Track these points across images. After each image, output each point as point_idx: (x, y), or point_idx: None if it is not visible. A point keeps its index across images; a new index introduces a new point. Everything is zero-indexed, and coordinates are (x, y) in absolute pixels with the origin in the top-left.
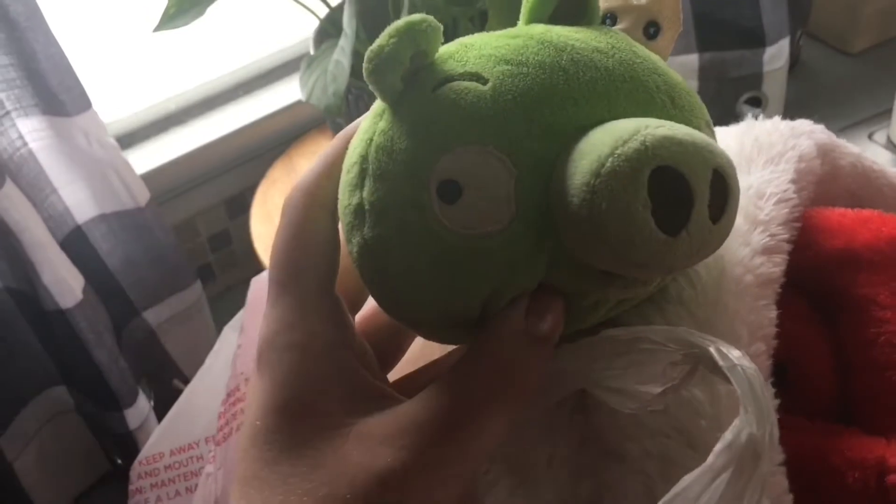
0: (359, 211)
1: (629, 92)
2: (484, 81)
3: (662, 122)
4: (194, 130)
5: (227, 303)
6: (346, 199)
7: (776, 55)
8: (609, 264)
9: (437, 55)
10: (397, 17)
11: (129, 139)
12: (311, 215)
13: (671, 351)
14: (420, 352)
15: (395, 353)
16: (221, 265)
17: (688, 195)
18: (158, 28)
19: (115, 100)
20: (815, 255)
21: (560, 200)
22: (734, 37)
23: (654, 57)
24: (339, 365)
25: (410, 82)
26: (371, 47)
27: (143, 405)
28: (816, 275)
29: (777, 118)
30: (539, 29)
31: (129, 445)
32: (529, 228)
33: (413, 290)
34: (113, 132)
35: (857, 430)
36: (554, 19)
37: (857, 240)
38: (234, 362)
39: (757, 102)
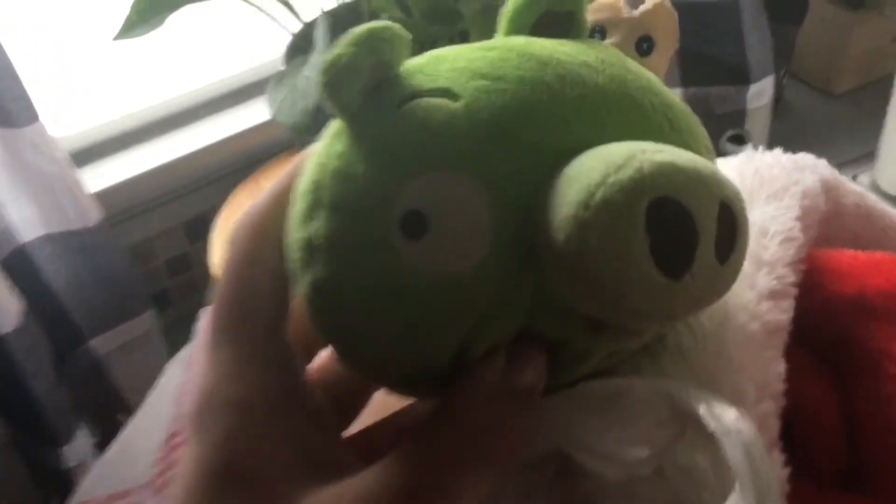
0: (310, 246)
1: (622, 112)
2: (456, 98)
3: (661, 146)
4: (156, 148)
5: (184, 332)
6: (295, 231)
7: (760, 92)
8: (599, 310)
9: (403, 68)
10: None
11: (86, 155)
12: (258, 251)
13: (657, 408)
14: (384, 401)
15: (356, 405)
16: (179, 292)
17: (692, 231)
18: (119, 37)
19: (73, 114)
20: (821, 300)
21: (543, 235)
22: (718, 73)
23: (649, 74)
24: (287, 426)
25: (373, 98)
26: (327, 57)
27: (83, 442)
28: (822, 323)
29: (778, 151)
30: (519, 41)
31: (66, 485)
32: (508, 267)
33: (371, 338)
34: (69, 148)
35: (871, 501)
36: (536, 32)
37: (871, 286)
38: (177, 401)
39: (741, 140)
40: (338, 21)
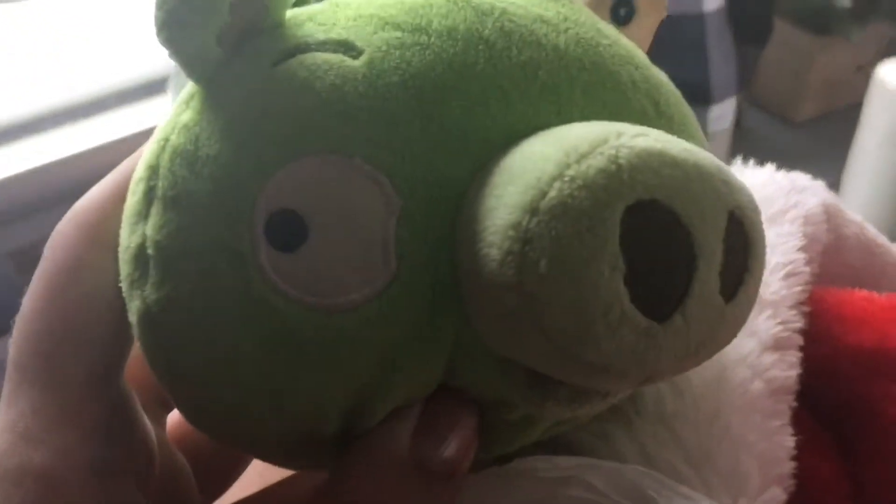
0: (140, 257)
1: (591, 86)
2: (356, 54)
3: (645, 129)
4: (49, 142)
5: None
6: (126, 237)
7: (722, 115)
8: (548, 366)
9: (290, 14)
10: None
11: None
12: (86, 263)
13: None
14: (263, 470)
15: (231, 465)
16: None
17: (687, 254)
18: None
19: None
20: (827, 353)
21: (468, 253)
22: (679, 91)
23: (629, 42)
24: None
25: (239, 52)
26: None
27: None
28: (828, 379)
29: (770, 167)
30: None
31: None
32: (418, 298)
33: (223, 390)
34: None
35: None
36: None
37: (893, 337)
38: None
39: None
40: None
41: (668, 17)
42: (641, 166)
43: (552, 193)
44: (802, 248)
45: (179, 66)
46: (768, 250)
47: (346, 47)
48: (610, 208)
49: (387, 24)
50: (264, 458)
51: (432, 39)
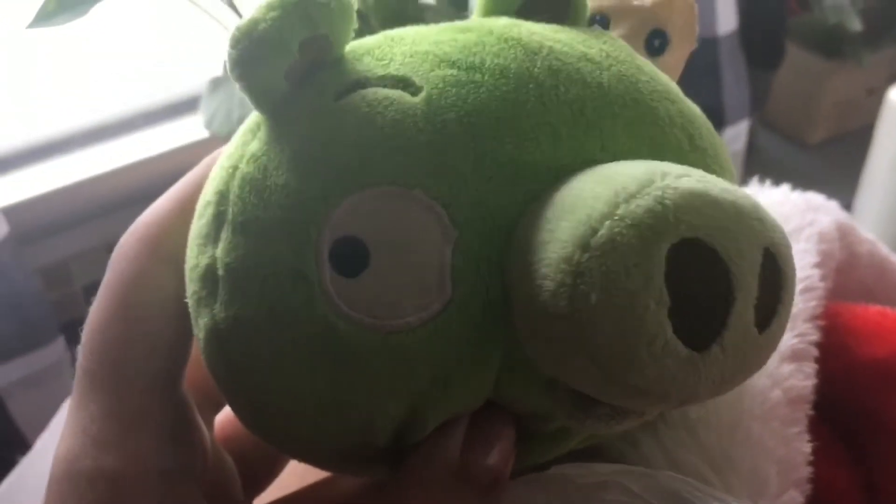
0: (209, 276)
1: (632, 122)
2: (415, 90)
3: (687, 169)
4: (77, 161)
5: None
6: (194, 256)
7: (735, 137)
8: (593, 388)
9: (350, 48)
10: None
11: None
12: (149, 275)
13: None
14: (303, 471)
15: (272, 465)
16: None
17: (726, 288)
18: (33, 25)
19: None
20: (842, 365)
21: (523, 282)
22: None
23: (665, 77)
24: None
25: (303, 85)
26: (239, 23)
27: None
28: (842, 391)
29: (785, 187)
30: (501, 22)
31: None
32: (471, 322)
33: (283, 407)
34: None
35: None
36: (523, 16)
37: None
38: (61, 453)
39: None
40: None
41: None
42: (686, 207)
43: (603, 231)
44: (817, 265)
45: (249, 100)
46: None
47: (405, 83)
48: (656, 246)
49: (442, 61)
50: (316, 465)
51: (486, 77)
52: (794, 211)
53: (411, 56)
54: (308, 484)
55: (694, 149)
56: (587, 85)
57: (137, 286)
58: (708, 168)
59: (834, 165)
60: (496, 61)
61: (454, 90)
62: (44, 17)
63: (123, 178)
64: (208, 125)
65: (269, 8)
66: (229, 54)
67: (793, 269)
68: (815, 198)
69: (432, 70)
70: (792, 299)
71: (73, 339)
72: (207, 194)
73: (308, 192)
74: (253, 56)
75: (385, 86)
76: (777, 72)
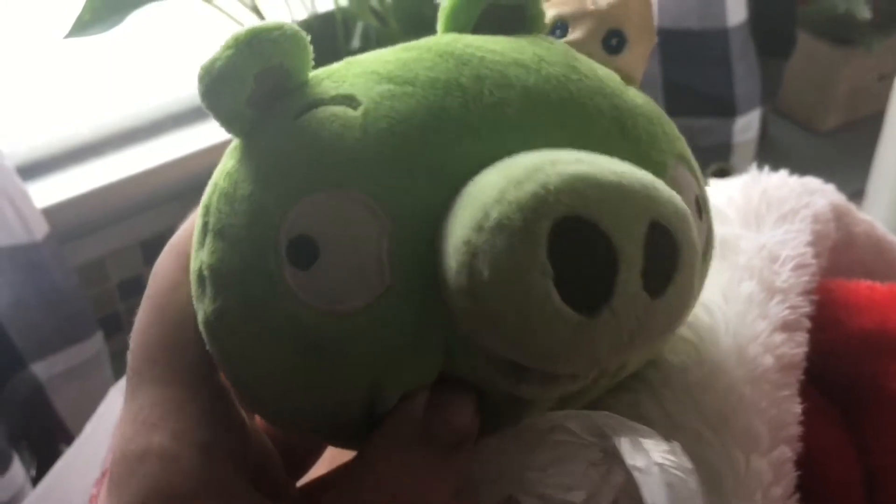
0: (199, 277)
1: (557, 118)
2: (356, 105)
3: (581, 155)
4: (111, 163)
5: None
6: (192, 261)
7: (747, 126)
8: (507, 353)
9: (313, 75)
10: (347, 44)
11: (34, 170)
12: (180, 284)
13: (589, 445)
14: (336, 454)
15: (312, 450)
16: (131, 316)
17: (609, 258)
18: (70, 35)
19: (20, 124)
20: (835, 336)
21: (441, 266)
22: (704, 104)
23: (606, 73)
24: (210, 477)
25: (272, 109)
26: (202, 62)
27: (17, 474)
28: (836, 360)
29: (784, 172)
30: (445, 39)
31: None
32: (411, 303)
33: (265, 385)
34: (17, 161)
35: None
36: (483, 31)
37: (893, 320)
38: (116, 436)
39: (725, 174)
40: (310, 30)
41: (693, 32)
42: (566, 188)
43: (494, 215)
44: (810, 244)
45: (219, 123)
46: (779, 244)
47: (350, 100)
48: (537, 224)
49: (383, 78)
50: (313, 437)
51: (417, 89)
52: (790, 194)
53: (360, 76)
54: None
55: (625, 137)
56: (512, 87)
57: (172, 295)
58: (640, 154)
59: (846, 152)
60: (429, 74)
61: (388, 103)
62: (80, 28)
63: (155, 179)
64: None
65: (226, 47)
66: (198, 88)
67: (689, 242)
68: (811, 181)
69: (373, 87)
70: (691, 270)
71: (110, 333)
72: (199, 209)
73: (266, 200)
74: (214, 90)
75: (335, 104)
76: (788, 60)
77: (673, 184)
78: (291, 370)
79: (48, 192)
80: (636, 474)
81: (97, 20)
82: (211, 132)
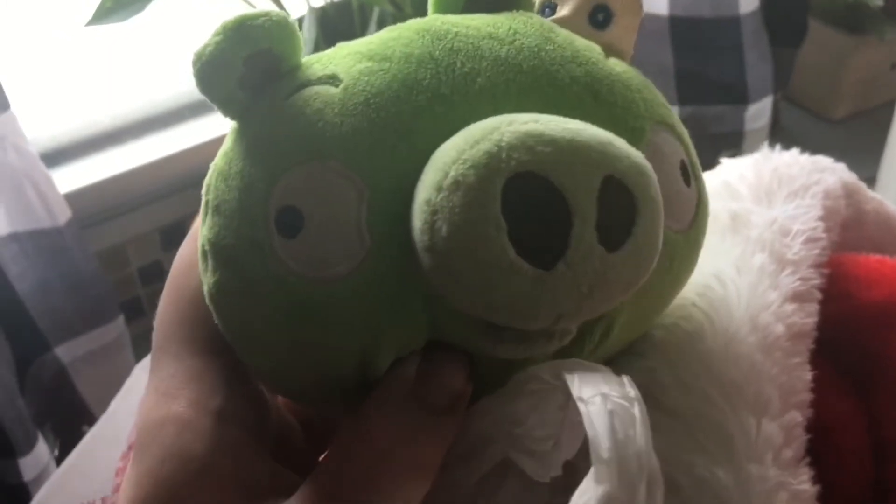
0: (203, 252)
1: (526, 86)
2: (338, 83)
3: (539, 116)
4: (132, 150)
5: None
6: (198, 239)
7: (758, 114)
8: (472, 310)
9: (306, 60)
10: (363, 31)
11: (57, 156)
12: (195, 266)
13: (555, 389)
14: None
15: (333, 426)
16: (151, 300)
17: (563, 212)
18: (92, 23)
19: (44, 112)
20: (845, 308)
21: (412, 227)
22: (716, 91)
23: (585, 45)
24: (224, 442)
25: (264, 92)
26: (195, 49)
27: (42, 453)
28: (846, 333)
29: (794, 150)
30: (425, 19)
31: (22, 499)
32: (391, 267)
33: (262, 351)
34: (40, 147)
35: None
36: (471, 11)
37: None
38: (140, 408)
39: None
40: (326, 17)
41: (705, 20)
42: (518, 146)
43: (451, 173)
44: (821, 218)
45: (214, 105)
46: (790, 219)
47: (333, 80)
48: (490, 181)
49: (363, 57)
50: (309, 405)
51: (392, 65)
52: (801, 172)
53: (344, 57)
54: None
55: (598, 103)
56: (483, 58)
57: (188, 277)
58: (613, 118)
59: (858, 140)
60: (404, 50)
61: (366, 78)
62: (101, 15)
63: (174, 166)
64: None
65: (215, 34)
66: (192, 74)
67: (647, 196)
68: (822, 159)
69: (354, 65)
70: (652, 223)
71: (131, 318)
72: (203, 187)
73: (255, 174)
74: (205, 74)
75: (320, 84)
76: (800, 49)
77: (653, 148)
78: (284, 337)
79: (70, 178)
80: (580, 405)
81: (119, 7)
82: (228, 121)
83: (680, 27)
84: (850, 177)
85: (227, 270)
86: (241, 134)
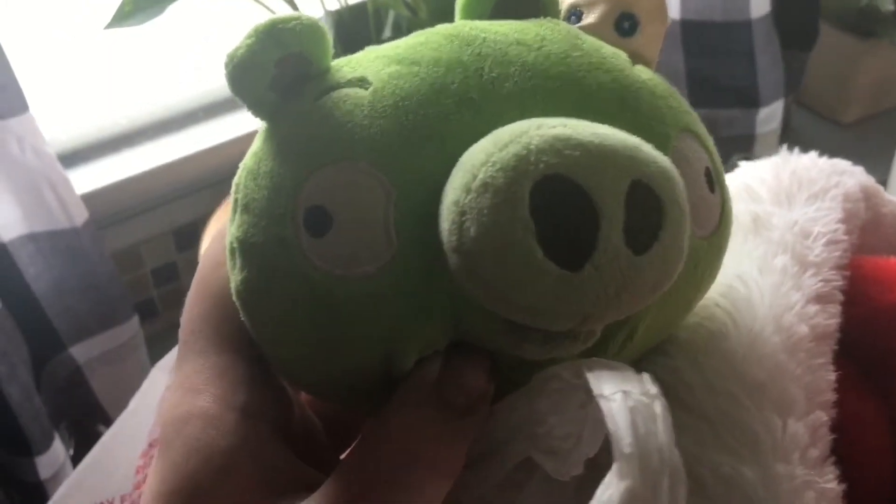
0: (231, 250)
1: (553, 92)
2: (367, 86)
3: (567, 120)
4: (146, 152)
5: (169, 343)
6: (227, 238)
7: (769, 117)
8: (497, 309)
9: (335, 63)
10: (378, 35)
11: (73, 158)
12: (224, 260)
13: (576, 388)
14: None
15: (351, 425)
16: (165, 301)
17: (589, 214)
18: (111, 25)
19: (62, 113)
20: (866, 311)
21: (440, 228)
22: (727, 95)
23: (611, 52)
24: (248, 438)
25: (295, 94)
26: (228, 51)
27: (58, 452)
28: (867, 335)
29: (813, 153)
30: (455, 24)
31: (38, 498)
32: (417, 267)
33: (288, 348)
34: (57, 149)
35: None
36: (498, 17)
37: None
38: (159, 407)
39: None
40: (342, 21)
41: (716, 24)
42: (547, 149)
43: (480, 176)
44: (841, 221)
45: (246, 107)
46: (811, 221)
47: (363, 82)
48: (518, 184)
49: (392, 61)
50: (335, 403)
51: (421, 69)
52: (820, 175)
53: (373, 60)
54: None
55: (624, 110)
56: (511, 63)
57: (214, 274)
58: (641, 125)
59: (869, 143)
60: (433, 55)
61: (395, 82)
62: (120, 18)
63: (189, 168)
64: None
65: (247, 36)
66: (225, 75)
67: (674, 200)
68: (841, 163)
69: (383, 69)
70: (678, 227)
71: (144, 318)
72: (232, 186)
73: (285, 173)
74: (237, 75)
75: (349, 86)
76: (811, 53)
77: (678, 155)
78: (309, 335)
79: (86, 179)
80: (601, 402)
81: (137, 10)
82: (243, 122)
83: (691, 31)
84: (868, 180)
85: (254, 268)
86: (271, 134)
